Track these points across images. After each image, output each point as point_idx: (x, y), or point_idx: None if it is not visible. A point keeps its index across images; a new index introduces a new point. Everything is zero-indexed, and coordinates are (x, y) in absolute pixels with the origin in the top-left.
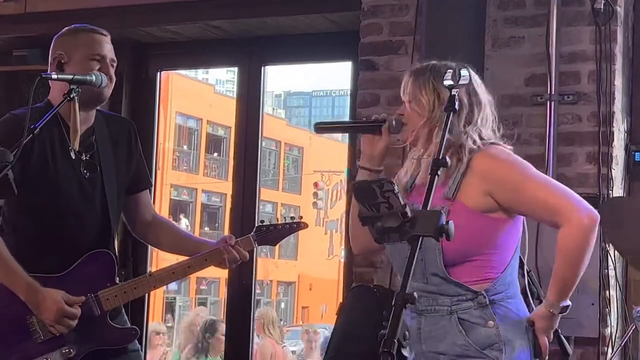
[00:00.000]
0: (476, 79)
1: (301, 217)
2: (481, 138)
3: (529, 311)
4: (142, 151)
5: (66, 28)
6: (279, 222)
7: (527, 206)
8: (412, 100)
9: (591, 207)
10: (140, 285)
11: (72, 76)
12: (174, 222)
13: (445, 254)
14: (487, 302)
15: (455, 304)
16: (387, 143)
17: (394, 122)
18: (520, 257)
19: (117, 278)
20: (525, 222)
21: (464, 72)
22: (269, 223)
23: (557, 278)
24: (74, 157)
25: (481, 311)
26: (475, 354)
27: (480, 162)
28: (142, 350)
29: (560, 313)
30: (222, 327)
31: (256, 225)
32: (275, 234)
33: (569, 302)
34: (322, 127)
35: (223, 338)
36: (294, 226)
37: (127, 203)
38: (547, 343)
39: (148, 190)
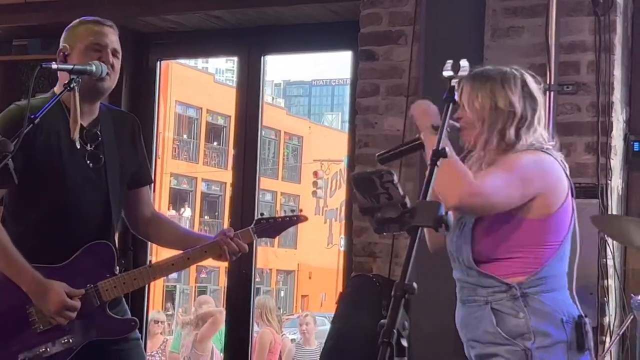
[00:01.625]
0: (530, 81)
1: (301, 210)
2: (530, 138)
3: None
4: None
5: (73, 22)
6: (279, 214)
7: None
8: (468, 105)
9: (470, 200)
10: (140, 277)
11: (72, 66)
12: (172, 218)
13: (476, 252)
14: (519, 295)
15: (491, 295)
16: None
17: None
18: None
19: (117, 268)
20: (577, 229)
21: (463, 62)
22: (268, 216)
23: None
24: (78, 147)
25: (513, 303)
26: (503, 342)
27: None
28: (142, 339)
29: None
30: None
31: (256, 217)
32: (275, 226)
33: None
34: (383, 158)
35: None
36: (294, 219)
37: (128, 198)
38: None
39: (148, 186)
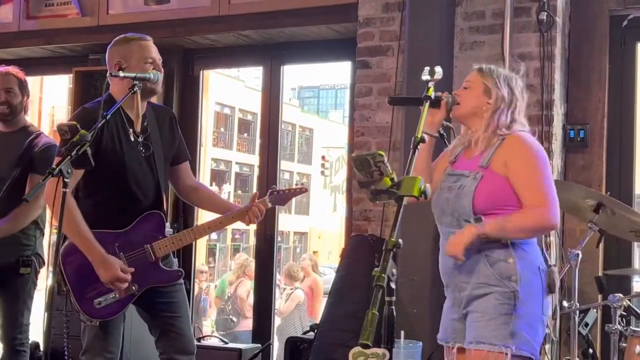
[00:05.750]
0: (516, 77)
1: (302, 184)
2: (519, 123)
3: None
4: (181, 132)
5: (117, 38)
6: (287, 188)
7: (518, 184)
8: (475, 87)
9: (557, 216)
10: (184, 237)
11: (135, 74)
12: (210, 188)
13: (475, 205)
14: (509, 244)
15: (484, 244)
16: (444, 115)
17: (450, 100)
18: None
19: (171, 231)
20: None
21: (438, 69)
22: (278, 189)
23: (505, 222)
24: (133, 139)
25: (503, 250)
26: (495, 283)
27: (512, 139)
28: (190, 285)
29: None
30: None
31: (269, 190)
32: (283, 196)
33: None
34: (394, 100)
35: None
36: (297, 191)
37: (172, 172)
38: (451, 250)
39: (187, 162)
